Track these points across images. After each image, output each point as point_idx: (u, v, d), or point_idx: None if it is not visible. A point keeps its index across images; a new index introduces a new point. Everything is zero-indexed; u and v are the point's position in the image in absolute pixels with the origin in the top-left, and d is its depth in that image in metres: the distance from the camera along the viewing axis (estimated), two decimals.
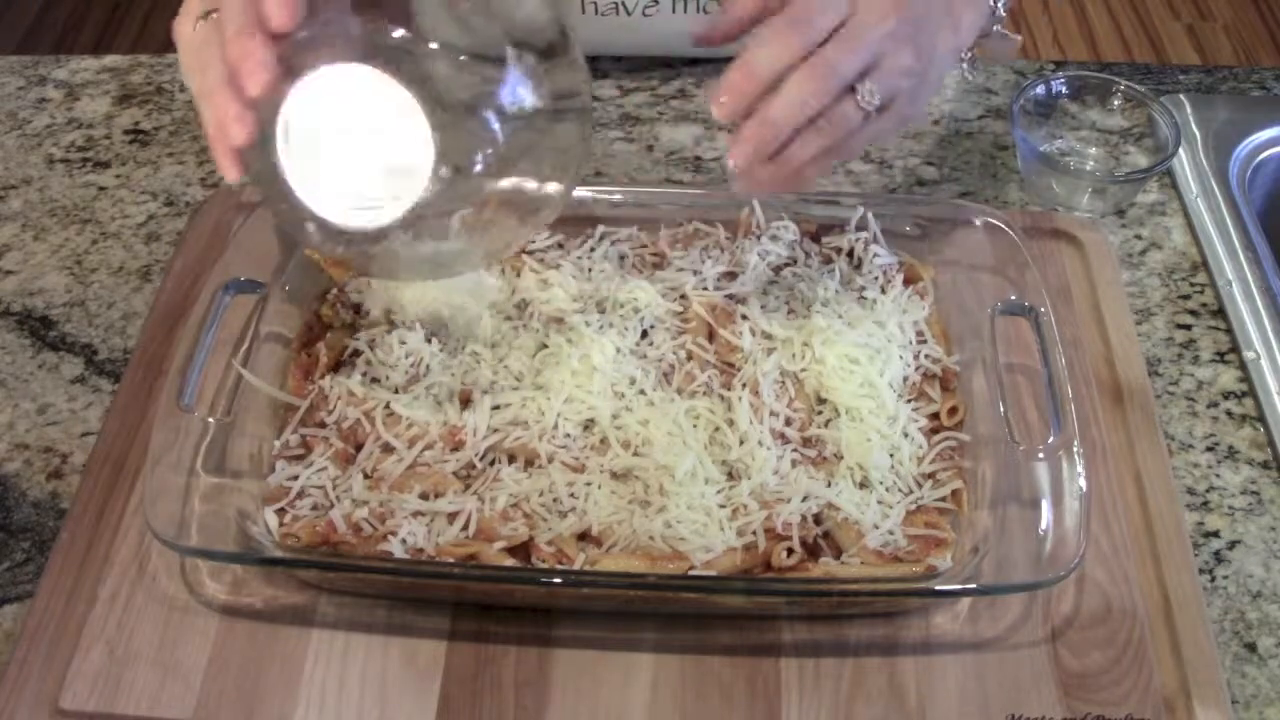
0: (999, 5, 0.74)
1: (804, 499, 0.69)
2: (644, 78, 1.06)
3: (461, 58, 0.62)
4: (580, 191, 0.81)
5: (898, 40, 0.63)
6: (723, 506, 0.69)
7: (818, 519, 0.70)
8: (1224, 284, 0.89)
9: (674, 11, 0.98)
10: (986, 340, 0.76)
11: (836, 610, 0.70)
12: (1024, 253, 0.78)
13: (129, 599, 0.70)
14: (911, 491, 0.71)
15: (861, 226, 0.82)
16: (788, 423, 0.73)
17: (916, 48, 0.64)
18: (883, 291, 0.80)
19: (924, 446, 0.73)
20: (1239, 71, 1.08)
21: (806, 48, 0.61)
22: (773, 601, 0.69)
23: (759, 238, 0.83)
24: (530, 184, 0.66)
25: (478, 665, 0.68)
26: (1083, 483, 0.67)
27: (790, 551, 0.68)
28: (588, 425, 0.73)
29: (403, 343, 0.76)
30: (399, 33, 0.61)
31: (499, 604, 0.70)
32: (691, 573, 0.66)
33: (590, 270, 0.81)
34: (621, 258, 0.83)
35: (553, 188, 0.66)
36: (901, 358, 0.76)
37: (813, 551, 0.69)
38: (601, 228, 0.83)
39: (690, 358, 0.76)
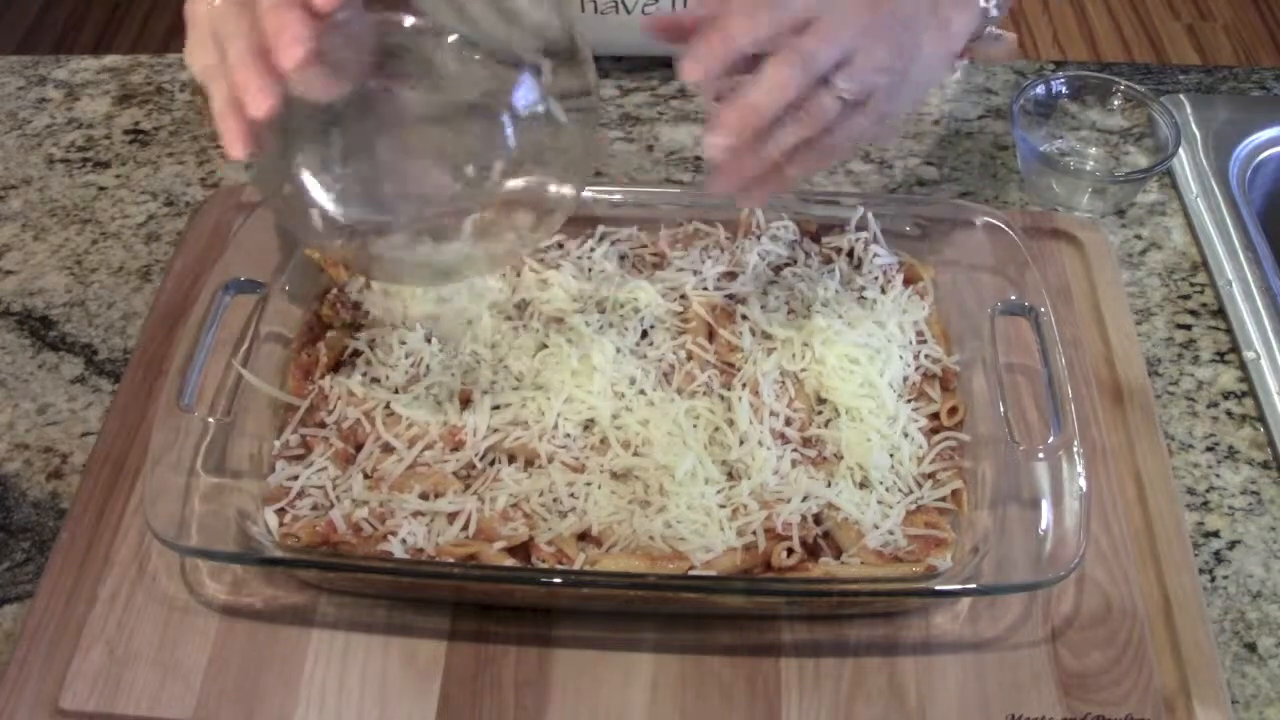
0: (991, 5, 0.73)
1: (804, 499, 0.69)
2: (644, 78, 1.06)
3: (475, 57, 0.62)
4: None
5: (872, 36, 0.62)
6: (723, 506, 0.69)
7: (818, 519, 0.70)
8: (1224, 284, 0.89)
9: (674, 10, 0.98)
10: (986, 340, 0.76)
11: (836, 610, 0.70)
12: (1024, 253, 0.78)
13: (129, 599, 0.70)
14: (911, 491, 0.71)
15: (861, 226, 0.83)
16: (788, 423, 0.73)
17: (894, 45, 0.64)
18: (883, 291, 0.80)
19: (924, 446, 0.73)
20: (1239, 71, 1.08)
21: (777, 26, 0.61)
22: (773, 601, 0.69)
23: (759, 238, 0.83)
24: (540, 187, 0.66)
25: (478, 665, 0.68)
26: (1083, 483, 0.67)
27: (790, 551, 0.68)
28: (588, 425, 0.73)
29: (403, 343, 0.76)
30: (410, 21, 0.61)
31: (499, 604, 0.70)
32: (691, 573, 0.66)
33: (590, 270, 0.81)
34: (621, 258, 0.83)
35: (563, 191, 0.66)
36: (901, 358, 0.76)
37: (813, 551, 0.69)
38: (601, 228, 0.84)
39: (690, 358, 0.76)
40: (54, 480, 0.78)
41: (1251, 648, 0.70)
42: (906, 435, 0.73)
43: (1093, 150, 0.98)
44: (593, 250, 0.83)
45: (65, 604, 0.70)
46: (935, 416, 0.75)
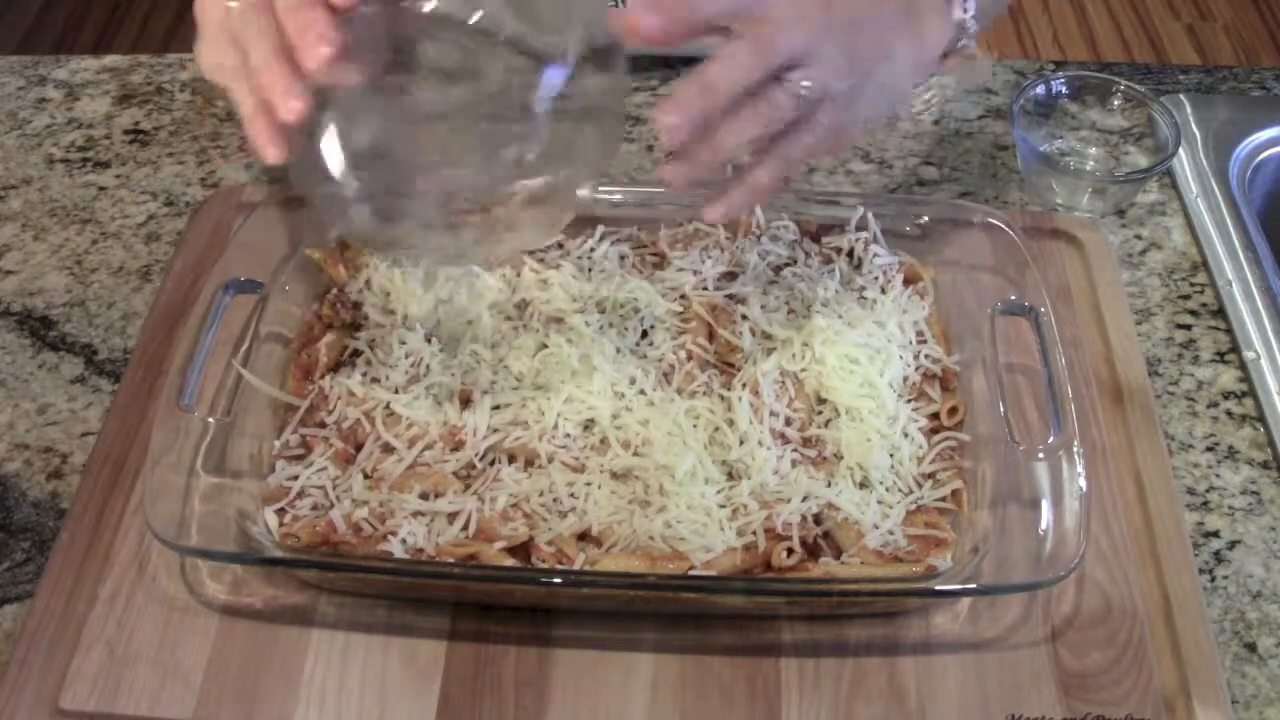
0: (968, 16, 0.70)
1: (804, 499, 0.69)
2: (644, 78, 1.05)
3: (496, 48, 0.62)
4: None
5: (831, 38, 0.61)
6: (723, 506, 0.69)
7: (818, 519, 0.70)
8: (1224, 284, 0.89)
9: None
10: (986, 340, 0.76)
11: (836, 610, 0.70)
12: (1024, 253, 0.78)
13: (129, 599, 0.70)
14: (911, 491, 0.71)
15: (861, 226, 0.83)
16: (788, 423, 0.73)
17: (853, 49, 0.62)
18: (883, 291, 0.80)
19: (924, 446, 0.73)
20: (1239, 71, 1.08)
21: (734, 4, 0.60)
22: (773, 601, 0.69)
23: (759, 238, 0.83)
24: (558, 181, 0.65)
25: (478, 665, 0.68)
26: (1083, 483, 0.67)
27: (790, 551, 0.68)
28: (588, 425, 0.73)
29: (403, 343, 0.76)
30: (430, 6, 0.61)
31: (499, 604, 0.70)
32: (691, 573, 0.66)
33: (590, 270, 0.81)
34: (621, 258, 0.83)
35: (580, 185, 0.66)
36: (901, 358, 0.76)
37: (813, 551, 0.69)
38: (601, 228, 0.83)
39: (690, 358, 0.76)
40: (54, 480, 0.78)
41: (1251, 648, 0.70)
42: (906, 435, 0.73)
43: (1093, 150, 0.98)
44: (593, 250, 0.83)
45: (65, 604, 0.70)
46: (935, 416, 0.75)
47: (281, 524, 0.69)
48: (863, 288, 0.80)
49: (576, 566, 0.66)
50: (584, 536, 0.68)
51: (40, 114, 1.03)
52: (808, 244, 0.83)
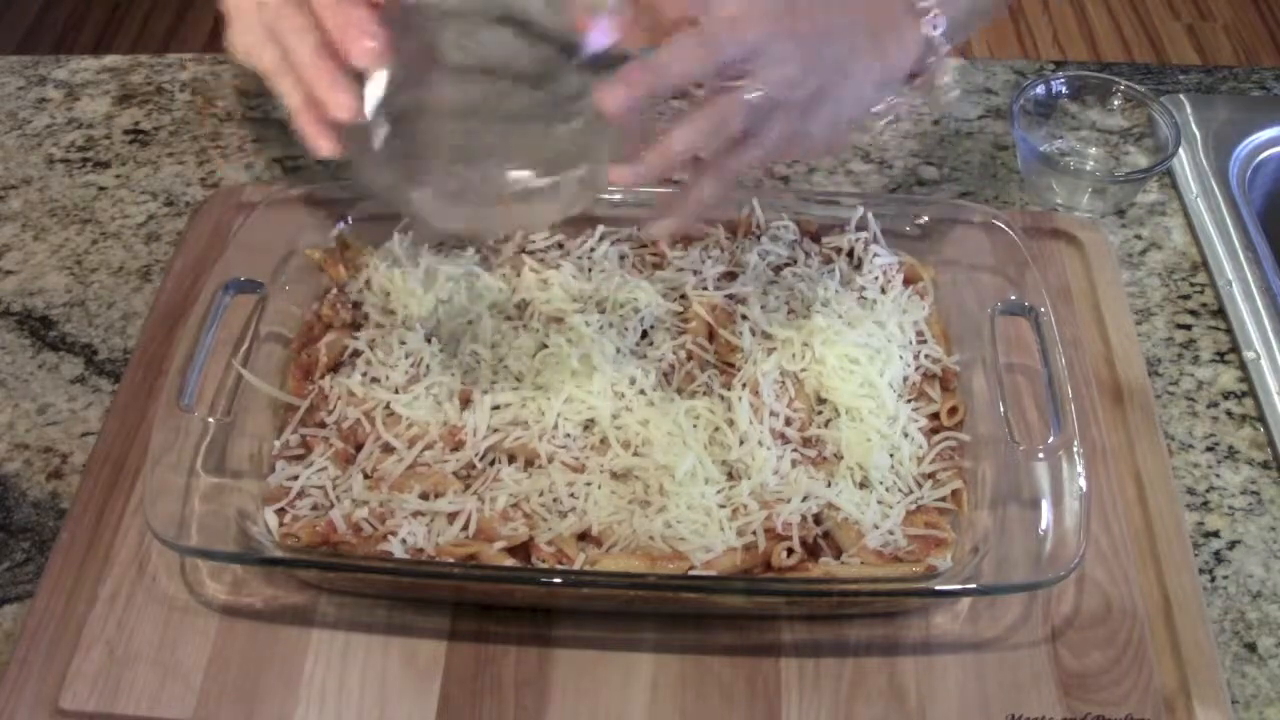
0: (938, 32, 0.68)
1: (804, 499, 0.69)
2: None
3: (522, 36, 0.62)
4: None
5: (783, 45, 0.60)
6: (723, 506, 0.69)
7: (818, 519, 0.70)
8: (1224, 284, 0.89)
9: None
10: (986, 340, 0.76)
11: (836, 610, 0.70)
12: (1024, 253, 0.78)
13: (129, 599, 0.70)
14: (911, 491, 0.71)
15: (861, 226, 0.83)
16: (788, 423, 0.73)
17: (809, 62, 0.61)
18: (883, 291, 0.80)
19: (924, 446, 0.73)
20: (1239, 71, 1.08)
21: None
22: (773, 601, 0.69)
23: (759, 238, 0.83)
24: (586, 169, 0.65)
25: (478, 665, 0.68)
26: (1083, 483, 0.67)
27: (790, 551, 0.68)
28: (588, 425, 0.73)
29: (403, 343, 0.76)
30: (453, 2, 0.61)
31: (499, 604, 0.70)
32: (691, 573, 0.66)
33: (590, 270, 0.81)
34: (621, 258, 0.83)
35: (599, 168, 0.66)
36: (901, 358, 0.76)
37: (813, 551, 0.69)
38: (601, 228, 0.83)
39: (690, 358, 0.76)
40: (54, 480, 0.78)
41: (1251, 648, 0.70)
42: (906, 435, 0.73)
43: (1093, 150, 0.98)
44: (593, 250, 0.83)
45: (65, 604, 0.70)
46: (935, 416, 0.75)
47: (281, 524, 0.69)
48: (863, 288, 0.80)
49: (576, 566, 0.66)
50: (584, 536, 0.68)
51: (40, 114, 1.03)
52: (808, 244, 0.83)
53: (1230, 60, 2.57)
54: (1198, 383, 0.84)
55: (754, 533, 0.68)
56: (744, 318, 0.78)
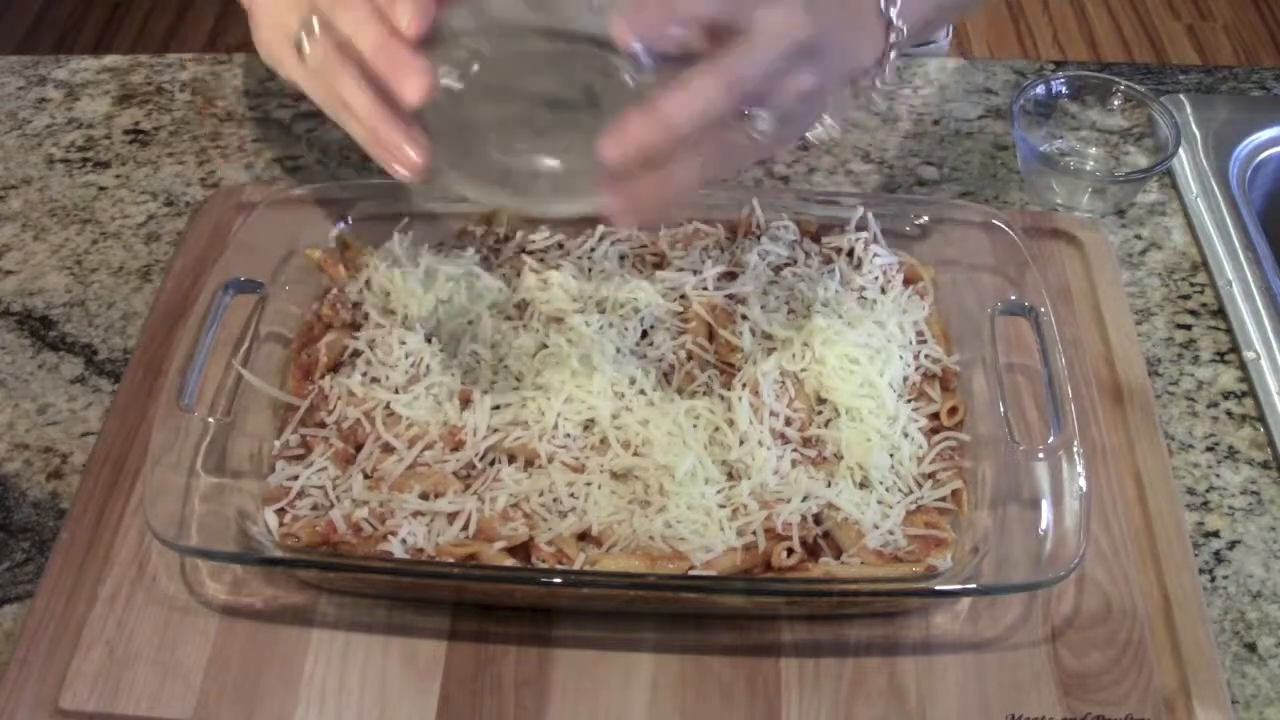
0: (894, 13, 0.64)
1: (804, 499, 0.69)
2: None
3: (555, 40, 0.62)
4: None
5: (801, 57, 0.58)
6: (723, 506, 0.69)
7: (818, 519, 0.70)
8: (1224, 284, 0.89)
9: None
10: (986, 340, 0.76)
11: (836, 610, 0.70)
12: (1024, 253, 0.78)
13: (129, 599, 0.70)
14: (911, 491, 0.71)
15: (861, 226, 0.83)
16: (788, 423, 0.73)
17: (819, 69, 0.59)
18: (883, 291, 0.80)
19: (924, 446, 0.73)
20: (1239, 71, 1.08)
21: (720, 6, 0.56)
22: (773, 601, 0.69)
23: (759, 238, 0.83)
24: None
25: (478, 665, 0.68)
26: (1083, 483, 0.67)
27: (790, 551, 0.68)
28: (588, 425, 0.73)
29: (403, 343, 0.76)
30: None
31: (499, 604, 0.70)
32: (691, 573, 0.66)
33: (590, 270, 0.81)
34: (621, 258, 0.83)
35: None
36: (901, 358, 0.76)
37: (813, 551, 0.69)
38: (601, 228, 0.83)
39: (690, 358, 0.76)
40: (54, 480, 0.78)
41: (1251, 648, 0.70)
42: (906, 435, 0.73)
43: (1093, 150, 0.98)
44: (593, 250, 0.83)
45: (65, 604, 0.70)
46: (935, 416, 0.75)
47: (281, 524, 0.69)
48: (863, 288, 0.80)
49: (576, 566, 0.66)
50: (584, 536, 0.68)
51: (40, 114, 1.03)
52: (808, 244, 0.83)
53: (1230, 60, 2.57)
54: (1198, 383, 0.84)
55: (754, 533, 0.68)
56: (744, 318, 0.78)
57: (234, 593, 0.70)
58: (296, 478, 0.70)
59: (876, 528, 0.68)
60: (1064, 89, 0.97)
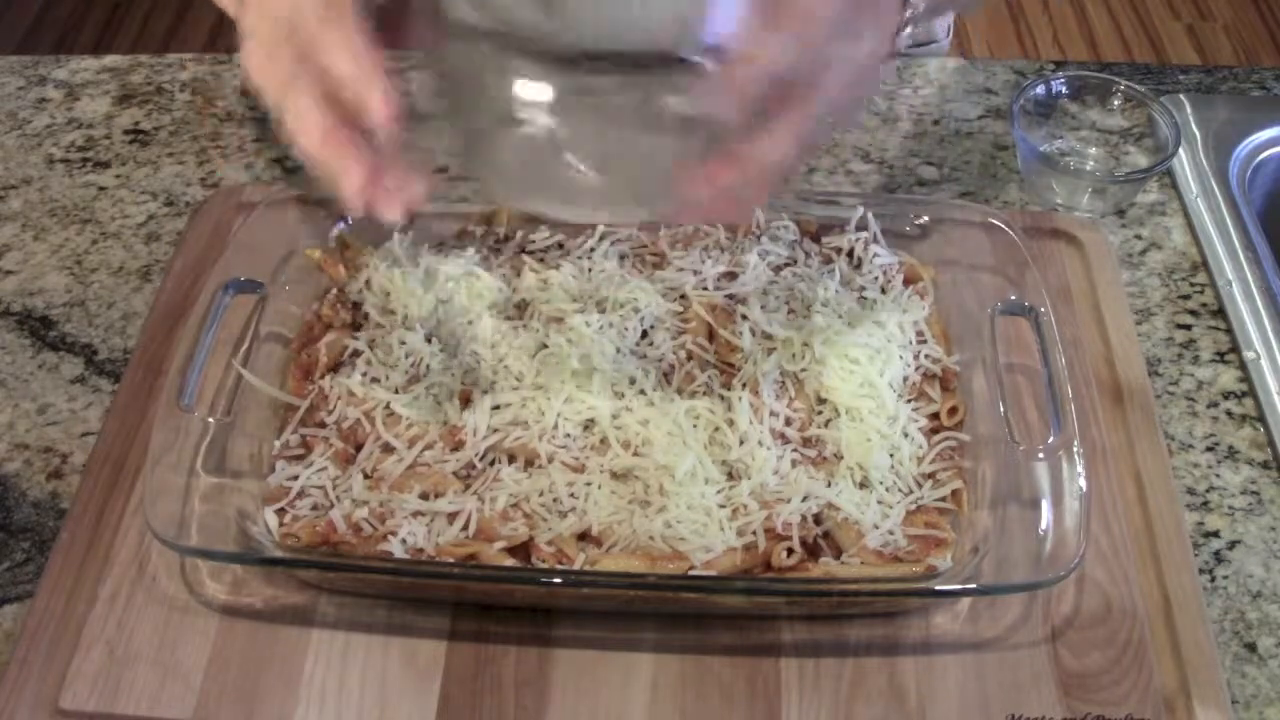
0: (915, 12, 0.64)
1: (804, 499, 0.69)
2: None
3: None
4: None
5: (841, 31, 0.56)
6: (723, 506, 0.69)
7: (818, 519, 0.70)
8: (1224, 284, 0.89)
9: None
10: (986, 340, 0.76)
11: (836, 610, 0.70)
12: (1024, 253, 0.78)
13: (129, 599, 0.70)
14: (911, 491, 0.71)
15: (861, 226, 0.83)
16: (788, 423, 0.73)
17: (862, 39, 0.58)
18: (883, 291, 0.80)
19: (924, 446, 0.73)
20: (1239, 71, 1.08)
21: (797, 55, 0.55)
22: (773, 601, 0.69)
23: (759, 238, 0.83)
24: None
25: (478, 665, 0.68)
26: (1083, 483, 0.67)
27: (790, 551, 0.68)
28: (588, 425, 0.73)
29: (403, 343, 0.76)
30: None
31: (499, 604, 0.70)
32: (691, 573, 0.66)
33: (590, 270, 0.81)
34: (621, 258, 0.83)
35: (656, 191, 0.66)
36: (901, 358, 0.76)
37: (813, 551, 0.69)
38: (601, 228, 0.83)
39: (690, 358, 0.76)
40: (54, 480, 0.78)
41: (1251, 648, 0.70)
42: (906, 435, 0.73)
43: (1093, 150, 0.98)
44: (593, 250, 0.83)
45: (65, 604, 0.70)
46: (935, 416, 0.75)
47: (281, 524, 0.69)
48: (863, 288, 0.80)
49: (576, 566, 0.66)
50: (584, 536, 0.68)
51: (40, 114, 1.03)
52: (808, 244, 0.83)
53: (1230, 60, 2.57)
54: (1198, 383, 0.84)
55: (754, 533, 0.68)
56: (744, 318, 0.78)
57: (234, 593, 0.70)
58: (296, 478, 0.70)
59: (876, 528, 0.68)
60: (1064, 89, 0.97)
